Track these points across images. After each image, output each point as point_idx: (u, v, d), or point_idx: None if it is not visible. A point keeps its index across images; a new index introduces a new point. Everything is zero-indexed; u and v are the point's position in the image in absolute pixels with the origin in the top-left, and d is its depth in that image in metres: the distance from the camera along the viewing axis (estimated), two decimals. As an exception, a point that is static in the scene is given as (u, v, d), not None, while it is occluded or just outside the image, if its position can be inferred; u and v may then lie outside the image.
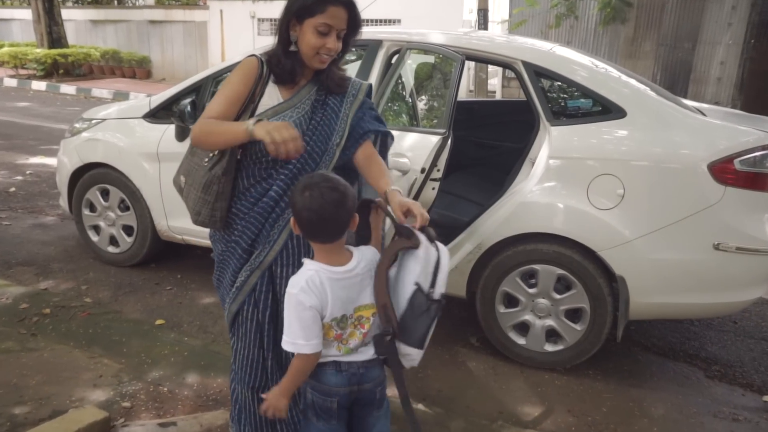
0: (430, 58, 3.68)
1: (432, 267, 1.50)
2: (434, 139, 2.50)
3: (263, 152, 1.68)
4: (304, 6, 1.65)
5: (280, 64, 1.73)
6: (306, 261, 1.54)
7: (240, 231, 1.78)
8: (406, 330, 1.51)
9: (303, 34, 1.69)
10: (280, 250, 1.76)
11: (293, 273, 1.59)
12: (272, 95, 1.75)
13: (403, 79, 3.46)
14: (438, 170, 2.52)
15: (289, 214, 1.66)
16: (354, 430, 1.64)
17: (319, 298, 1.48)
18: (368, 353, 1.58)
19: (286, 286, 1.54)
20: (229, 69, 3.32)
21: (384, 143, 1.90)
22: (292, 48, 1.72)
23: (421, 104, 3.74)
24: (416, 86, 3.72)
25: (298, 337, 1.47)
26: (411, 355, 1.55)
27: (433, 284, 1.51)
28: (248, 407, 1.88)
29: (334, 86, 1.79)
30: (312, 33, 1.67)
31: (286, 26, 1.72)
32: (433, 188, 2.51)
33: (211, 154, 1.73)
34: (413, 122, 3.44)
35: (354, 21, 1.71)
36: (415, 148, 2.57)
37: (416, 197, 2.48)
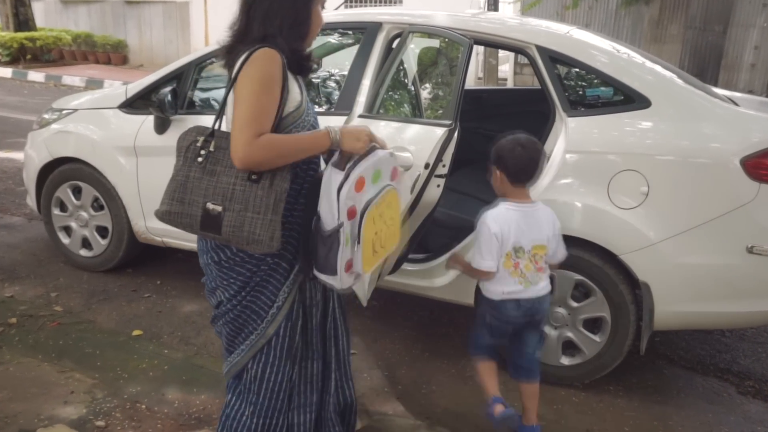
0: (435, 43, 3.68)
1: (334, 194, 1.72)
2: (439, 132, 2.50)
3: None
4: None
5: (301, 53, 1.77)
6: (500, 201, 2.22)
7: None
8: (317, 258, 1.78)
9: (315, 15, 1.77)
10: None
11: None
12: (294, 87, 1.76)
13: (405, 66, 3.46)
14: (443, 165, 2.52)
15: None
16: (513, 340, 2.33)
17: (502, 229, 2.16)
18: (542, 289, 2.22)
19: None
20: (214, 54, 3.32)
21: None
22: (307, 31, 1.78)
23: (425, 93, 3.74)
24: (419, 73, 3.71)
25: (478, 254, 2.19)
26: (330, 284, 1.80)
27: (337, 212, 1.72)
28: None
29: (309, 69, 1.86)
30: (318, 10, 1.77)
31: (308, 8, 1.75)
32: (438, 185, 2.51)
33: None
34: (416, 113, 3.44)
35: None
36: (418, 141, 2.57)
37: (420, 195, 2.48)
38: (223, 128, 1.76)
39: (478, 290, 2.84)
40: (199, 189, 1.68)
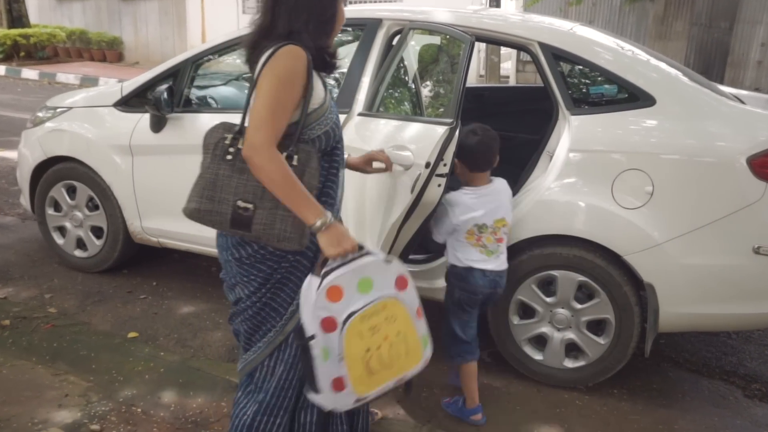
0: (436, 40, 3.69)
1: (310, 301, 1.68)
2: (440, 130, 2.50)
3: (328, 145, 1.82)
4: None
5: (326, 50, 1.77)
6: (463, 188, 2.48)
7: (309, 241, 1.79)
8: (304, 373, 1.77)
9: (340, 12, 1.80)
10: None
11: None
12: (318, 84, 1.78)
13: (406, 63, 3.46)
14: (445, 165, 2.52)
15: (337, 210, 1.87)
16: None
17: (463, 212, 2.42)
18: (503, 264, 2.50)
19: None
20: (211, 51, 3.32)
21: None
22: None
23: (426, 91, 3.74)
24: (420, 71, 3.72)
25: (435, 229, 2.52)
26: (321, 404, 1.77)
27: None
28: None
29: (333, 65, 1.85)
30: (342, 7, 1.80)
31: (334, 5, 1.77)
32: (440, 185, 2.51)
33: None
34: (417, 111, 3.44)
35: None
36: (418, 139, 2.57)
37: (420, 195, 2.48)
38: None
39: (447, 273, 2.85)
40: (229, 187, 1.71)
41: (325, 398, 1.71)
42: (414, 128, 2.67)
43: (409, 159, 2.51)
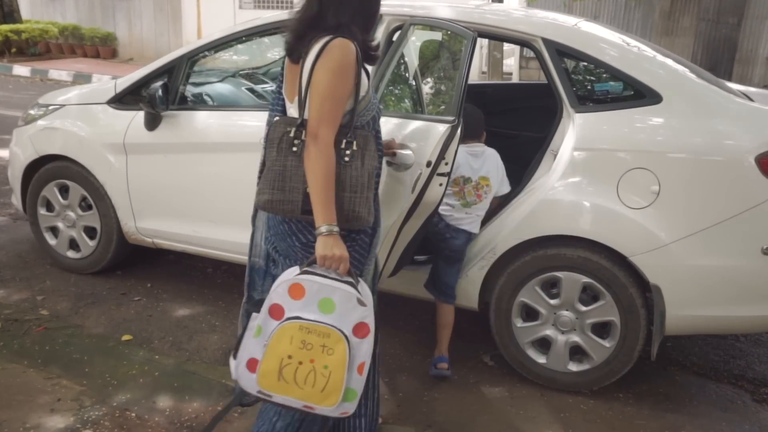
0: (438, 35, 3.69)
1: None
2: (442, 128, 2.50)
3: (375, 129, 1.99)
4: None
5: (370, 42, 1.92)
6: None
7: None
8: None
9: (380, 7, 1.95)
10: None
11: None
12: (363, 75, 1.92)
13: (406, 60, 3.46)
14: (446, 163, 2.52)
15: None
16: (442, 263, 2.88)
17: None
18: (467, 224, 2.78)
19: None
20: (207, 47, 3.32)
21: None
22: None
23: (427, 88, 3.74)
24: (421, 67, 3.72)
25: None
26: (231, 368, 1.91)
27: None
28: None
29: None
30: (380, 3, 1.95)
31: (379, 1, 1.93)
32: (441, 184, 2.51)
33: (348, 151, 1.88)
34: (418, 108, 3.44)
35: None
36: (419, 138, 2.57)
37: (421, 194, 2.48)
38: (295, 110, 1.91)
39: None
40: (298, 176, 1.86)
41: (237, 368, 1.85)
42: (415, 126, 2.66)
43: (410, 158, 2.51)
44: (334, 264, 1.79)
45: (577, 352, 2.80)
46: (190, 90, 3.48)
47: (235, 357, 1.86)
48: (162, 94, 3.15)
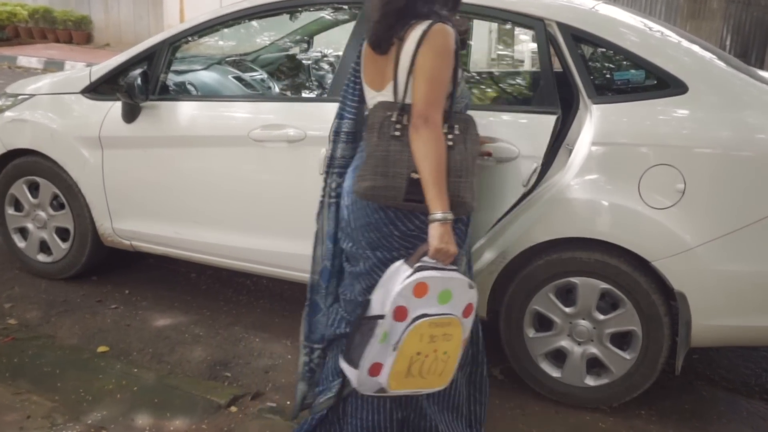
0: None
1: (394, 286, 1.93)
2: (548, 120, 2.67)
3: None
4: None
5: (458, 29, 2.03)
6: None
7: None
8: (349, 344, 2.04)
9: None
10: None
11: None
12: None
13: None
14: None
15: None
16: None
17: None
18: None
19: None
20: (191, 32, 3.32)
21: None
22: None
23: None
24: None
25: None
26: (348, 378, 2.05)
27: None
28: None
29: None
30: None
31: None
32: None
33: (451, 135, 2.02)
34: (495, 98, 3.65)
35: None
36: (523, 131, 2.75)
37: (532, 188, 2.72)
38: (386, 98, 2.06)
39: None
40: (401, 161, 1.99)
41: (358, 375, 1.98)
42: (515, 119, 2.82)
43: (513, 151, 2.66)
44: (447, 260, 1.95)
45: (594, 365, 2.80)
46: (172, 78, 3.48)
47: (357, 366, 1.97)
48: (141, 83, 3.15)
